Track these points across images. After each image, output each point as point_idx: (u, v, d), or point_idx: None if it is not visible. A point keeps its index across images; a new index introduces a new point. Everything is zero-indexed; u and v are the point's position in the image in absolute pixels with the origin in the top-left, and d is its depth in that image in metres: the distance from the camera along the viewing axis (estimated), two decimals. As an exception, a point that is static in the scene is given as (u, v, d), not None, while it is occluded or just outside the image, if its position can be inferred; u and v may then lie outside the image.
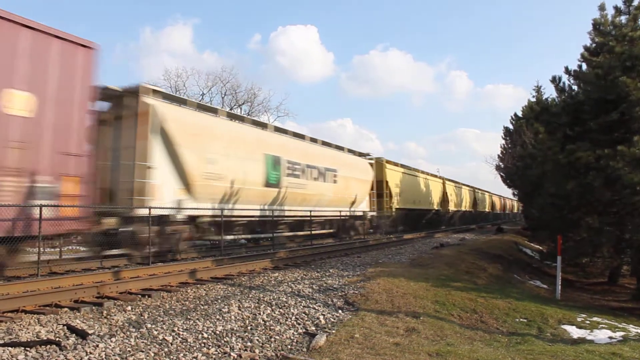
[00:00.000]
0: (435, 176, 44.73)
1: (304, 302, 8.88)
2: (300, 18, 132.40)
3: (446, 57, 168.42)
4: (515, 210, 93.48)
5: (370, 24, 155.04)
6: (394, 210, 31.07)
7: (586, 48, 15.68)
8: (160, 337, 6.37)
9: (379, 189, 29.83)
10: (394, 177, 32.10)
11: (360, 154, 28.81)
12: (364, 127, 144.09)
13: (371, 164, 29.09)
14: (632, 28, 14.22)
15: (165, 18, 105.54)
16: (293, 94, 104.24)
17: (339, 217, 24.62)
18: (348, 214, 25.53)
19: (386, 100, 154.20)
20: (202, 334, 6.65)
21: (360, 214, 26.85)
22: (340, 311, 8.52)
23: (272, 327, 7.30)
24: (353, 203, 25.88)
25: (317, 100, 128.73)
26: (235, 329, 7.05)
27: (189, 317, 7.40)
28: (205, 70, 72.56)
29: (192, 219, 15.03)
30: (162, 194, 14.01)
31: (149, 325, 6.81)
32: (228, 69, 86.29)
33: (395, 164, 33.85)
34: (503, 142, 43.87)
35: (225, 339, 6.58)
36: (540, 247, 27.77)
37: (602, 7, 15.18)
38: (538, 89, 22.16)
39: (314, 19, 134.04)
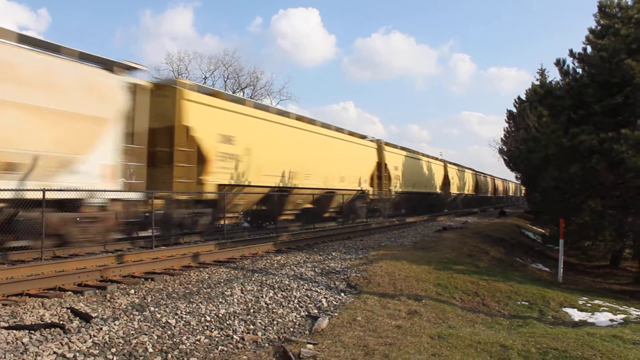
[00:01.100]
0: (319, 123, 24.25)
1: (306, 285, 8.91)
2: (301, 0, 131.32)
3: (449, 40, 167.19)
4: (512, 193, 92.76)
5: (372, 6, 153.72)
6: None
7: (591, 30, 15.54)
8: (164, 320, 6.41)
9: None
10: (204, 115, 15.56)
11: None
12: (366, 111, 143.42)
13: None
14: (638, 10, 14.07)
15: (166, 1, 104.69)
16: (295, 77, 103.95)
17: None
18: None
19: (389, 83, 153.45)
20: (205, 317, 6.69)
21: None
22: (342, 294, 8.56)
23: (274, 310, 7.34)
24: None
25: (319, 83, 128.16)
26: (238, 312, 7.09)
27: (192, 300, 7.44)
28: (207, 53, 72.14)
29: None
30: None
31: (152, 309, 6.85)
32: (230, 52, 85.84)
33: (217, 95, 17.18)
34: (506, 125, 43.59)
35: (228, 322, 6.62)
36: (543, 231, 27.86)
37: (608, -11, 15.01)
38: (542, 72, 21.98)
39: (316, 2, 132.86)
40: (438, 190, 41.84)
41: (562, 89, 16.60)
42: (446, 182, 44.03)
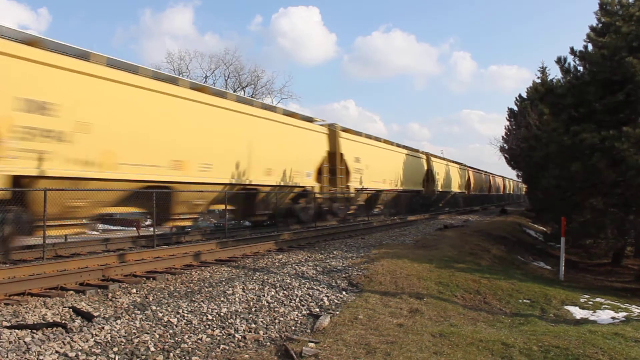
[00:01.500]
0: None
1: (307, 283, 8.92)
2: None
3: (449, 37, 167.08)
4: (511, 190, 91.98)
5: (373, 4, 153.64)
6: None
7: (592, 28, 15.51)
8: (165, 319, 6.42)
9: None
10: None
11: None
12: (367, 109, 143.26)
13: None
14: (639, 8, 14.04)
15: (166, 0, 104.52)
16: (296, 75, 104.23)
17: None
18: None
19: (389, 81, 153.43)
20: (207, 316, 6.69)
21: None
22: (344, 292, 8.57)
23: (276, 309, 7.35)
24: None
25: (320, 82, 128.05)
26: (239, 310, 7.10)
27: (193, 299, 7.44)
28: (207, 52, 72.13)
29: None
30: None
31: (153, 308, 6.85)
32: (231, 51, 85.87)
33: (35, 43, 11.23)
34: (507, 123, 43.53)
35: (229, 321, 6.63)
36: (544, 229, 27.83)
37: (609, -14, 14.99)
38: (543, 70, 21.88)
39: (316, 0, 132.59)
40: (419, 188, 35.90)
41: (563, 87, 16.54)
42: (430, 178, 38.23)
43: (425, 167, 37.78)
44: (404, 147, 34.22)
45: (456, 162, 48.76)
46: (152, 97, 13.64)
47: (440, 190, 40.64)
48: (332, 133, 23.45)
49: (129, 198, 13.08)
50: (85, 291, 7.61)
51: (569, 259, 14.35)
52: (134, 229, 14.43)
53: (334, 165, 23.15)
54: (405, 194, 32.67)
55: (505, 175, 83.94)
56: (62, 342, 5.39)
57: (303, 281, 9.05)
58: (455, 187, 46.25)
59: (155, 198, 12.38)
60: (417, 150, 36.95)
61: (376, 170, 27.65)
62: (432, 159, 39.28)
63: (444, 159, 44.37)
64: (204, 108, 15.53)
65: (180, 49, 54.75)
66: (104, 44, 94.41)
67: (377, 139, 29.78)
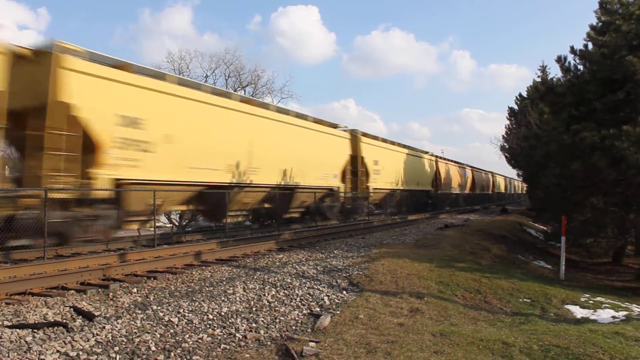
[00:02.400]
0: None
1: (308, 283, 8.93)
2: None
3: (449, 36, 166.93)
4: (504, 189, 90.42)
5: (372, 3, 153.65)
6: None
7: (592, 27, 15.49)
8: (166, 318, 6.42)
9: None
10: None
11: None
12: (367, 108, 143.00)
13: None
14: (639, 6, 14.03)
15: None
16: (296, 75, 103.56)
17: None
18: None
19: (389, 80, 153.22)
20: (208, 315, 6.70)
21: None
22: (344, 292, 8.57)
23: (276, 308, 7.35)
24: None
25: (320, 81, 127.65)
26: (240, 310, 7.11)
27: (194, 298, 7.45)
28: (207, 52, 72.13)
29: None
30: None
31: (154, 307, 6.86)
32: (231, 50, 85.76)
33: None
34: (507, 122, 43.40)
35: (230, 320, 6.64)
36: (545, 228, 27.82)
37: (609, -15, 14.97)
38: (543, 69, 21.96)
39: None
40: (332, 184, 23.35)
41: (564, 85, 16.52)
42: (358, 170, 25.79)
43: (350, 153, 25.34)
44: (298, 114, 21.42)
45: (419, 150, 37.19)
46: None
47: (383, 188, 28.63)
48: (43, 58, 11.04)
49: None
50: (86, 290, 7.62)
51: (569, 258, 14.34)
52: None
53: (40, 130, 10.87)
54: (298, 193, 20.72)
55: (502, 173, 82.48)
56: (63, 341, 5.40)
57: (304, 281, 9.06)
58: (412, 184, 34.14)
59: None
60: (334, 126, 24.54)
61: (204, 150, 15.26)
62: (365, 141, 26.76)
63: (393, 143, 31.89)
64: None
65: (180, 49, 54.74)
66: (104, 44, 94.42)
67: (225, 95, 17.32)
